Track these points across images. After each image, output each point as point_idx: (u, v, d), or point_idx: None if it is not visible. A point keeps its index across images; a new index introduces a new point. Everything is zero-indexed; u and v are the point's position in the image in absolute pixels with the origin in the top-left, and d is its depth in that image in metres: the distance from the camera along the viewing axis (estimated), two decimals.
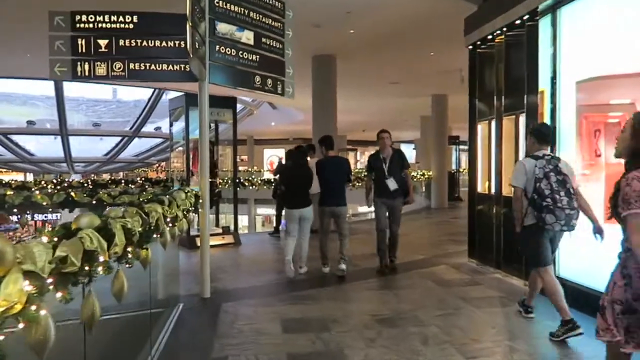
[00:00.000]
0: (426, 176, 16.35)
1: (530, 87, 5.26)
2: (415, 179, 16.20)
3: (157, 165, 27.07)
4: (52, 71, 4.73)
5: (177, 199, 3.52)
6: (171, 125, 8.62)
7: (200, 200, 4.68)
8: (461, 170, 19.05)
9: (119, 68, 4.80)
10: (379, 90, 14.40)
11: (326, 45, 9.34)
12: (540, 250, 3.77)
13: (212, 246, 7.99)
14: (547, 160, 3.73)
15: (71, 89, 15.79)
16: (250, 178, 10.39)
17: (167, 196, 3.38)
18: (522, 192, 3.78)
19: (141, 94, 16.48)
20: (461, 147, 20.18)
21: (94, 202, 4.29)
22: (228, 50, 5.09)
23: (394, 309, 4.59)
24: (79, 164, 20.11)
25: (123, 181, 8.43)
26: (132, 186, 8.43)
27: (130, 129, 17.56)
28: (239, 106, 21.72)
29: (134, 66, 4.83)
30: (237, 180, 9.64)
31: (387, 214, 6.08)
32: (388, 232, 6.10)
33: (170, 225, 3.16)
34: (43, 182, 8.02)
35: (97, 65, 4.77)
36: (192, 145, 8.88)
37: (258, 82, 5.48)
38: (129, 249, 1.97)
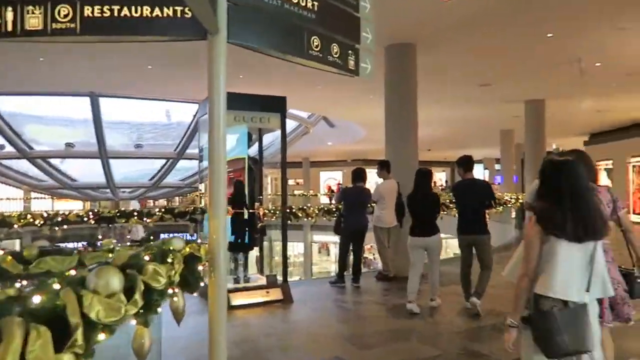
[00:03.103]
0: (520, 201, 13.39)
1: None
2: (507, 205, 13.29)
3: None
4: None
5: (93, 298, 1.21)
6: (200, 140, 6.51)
7: (205, 263, 2.36)
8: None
9: (66, 16, 2.65)
10: (464, 95, 11.79)
11: (406, 26, 6.94)
12: None
13: (251, 305, 5.73)
14: None
15: (112, 111, 14.40)
16: (304, 207, 8.02)
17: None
18: None
19: (187, 113, 14.87)
20: None
21: None
22: None
23: None
24: (125, 189, 18.76)
25: (136, 213, 6.39)
26: (148, 220, 6.39)
27: (175, 150, 15.92)
28: (292, 124, 19.82)
29: (92, 12, 2.65)
30: (288, 210, 7.39)
31: None
32: None
33: None
34: (30, 217, 6.10)
35: (28, 12, 2.65)
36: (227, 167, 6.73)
37: (316, 46, 3.16)
38: None
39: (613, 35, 7.38)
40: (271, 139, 20.72)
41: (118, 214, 6.33)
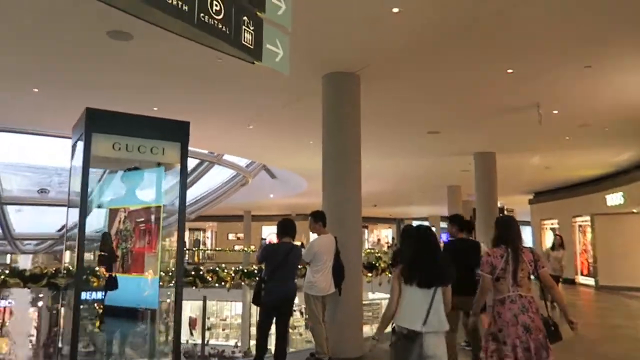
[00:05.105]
0: None
1: None
2: None
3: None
4: None
5: None
6: (70, 179, 4.84)
7: None
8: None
9: None
10: (411, 143, 10.81)
11: (347, 52, 5.79)
12: None
13: None
14: None
15: (10, 150, 12.37)
16: (216, 268, 6.32)
17: None
18: None
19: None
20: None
21: None
22: None
23: None
24: (29, 242, 16.22)
25: None
26: None
27: (90, 197, 13.83)
28: (229, 173, 18.29)
29: None
30: (193, 274, 5.74)
31: None
32: None
33: None
34: None
35: None
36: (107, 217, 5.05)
37: (176, 2, 1.79)
38: None
39: (577, 76, 6.60)
40: (205, 188, 19.10)
41: None
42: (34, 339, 18.62)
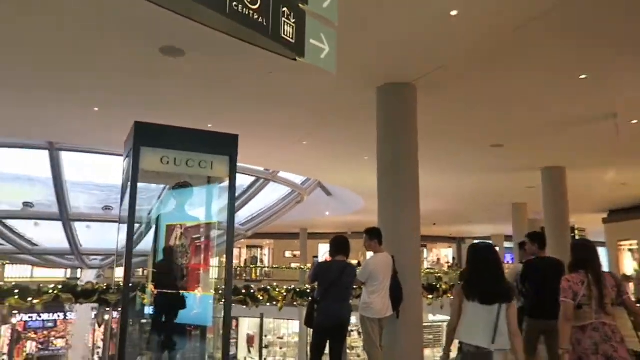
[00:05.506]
0: None
1: None
2: None
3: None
4: None
5: None
6: (123, 195, 4.82)
7: None
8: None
9: None
10: (472, 158, 10.25)
11: (404, 56, 5.49)
12: None
13: None
14: None
15: (78, 169, 12.99)
16: (267, 287, 6.13)
17: None
18: None
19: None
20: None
21: None
22: None
23: None
24: (95, 257, 16.91)
25: (17, 290, 4.61)
26: (35, 301, 4.58)
27: (149, 214, 14.24)
28: (284, 190, 18.30)
29: None
30: (244, 292, 5.57)
31: None
32: None
33: None
34: None
35: None
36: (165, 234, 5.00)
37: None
38: None
39: None
40: (261, 205, 19.21)
41: None
42: (100, 351, 19.34)
